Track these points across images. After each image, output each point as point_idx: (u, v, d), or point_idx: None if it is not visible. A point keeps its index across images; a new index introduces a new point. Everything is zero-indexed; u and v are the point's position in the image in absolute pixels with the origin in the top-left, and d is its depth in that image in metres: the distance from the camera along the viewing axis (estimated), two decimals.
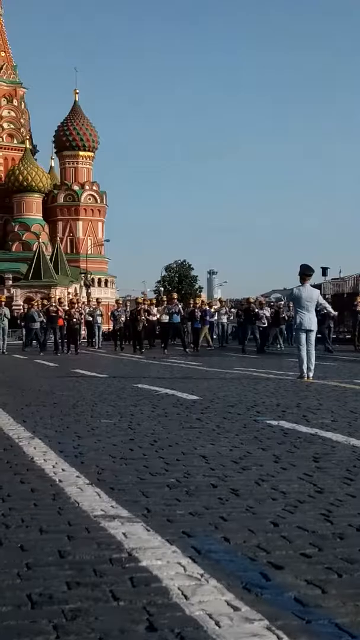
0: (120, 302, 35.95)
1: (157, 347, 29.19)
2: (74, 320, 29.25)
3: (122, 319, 31.75)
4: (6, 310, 30.64)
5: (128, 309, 33.76)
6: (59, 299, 33.80)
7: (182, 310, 28.87)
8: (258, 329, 28.25)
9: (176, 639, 2.38)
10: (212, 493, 4.44)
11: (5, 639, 2.38)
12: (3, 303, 31.81)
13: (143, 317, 28.93)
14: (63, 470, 5.16)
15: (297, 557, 3.20)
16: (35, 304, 33.74)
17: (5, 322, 29.88)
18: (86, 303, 46.38)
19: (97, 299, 44.02)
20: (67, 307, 30.83)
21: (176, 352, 26.61)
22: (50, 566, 3.10)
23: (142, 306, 30.43)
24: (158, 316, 30.55)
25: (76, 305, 31.45)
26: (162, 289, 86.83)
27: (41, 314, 31.01)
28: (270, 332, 29.00)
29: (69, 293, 78.17)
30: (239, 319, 35.29)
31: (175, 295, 30.67)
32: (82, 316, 32.42)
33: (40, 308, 31.82)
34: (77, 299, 36.70)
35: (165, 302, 33.45)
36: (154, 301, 37.29)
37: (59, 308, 30.19)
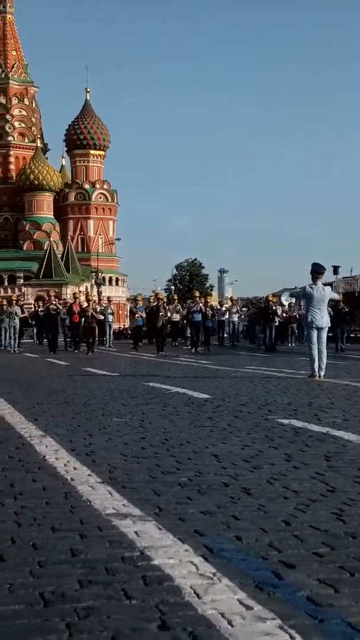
0: (140, 298, 34.42)
1: (168, 346, 29.08)
2: (90, 317, 27.79)
3: (142, 315, 30.20)
4: (17, 309, 30.70)
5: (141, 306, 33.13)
6: (74, 294, 33.62)
7: (203, 308, 28.82)
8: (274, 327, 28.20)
9: (188, 637, 2.38)
10: (224, 492, 4.43)
11: (18, 638, 2.39)
12: (14, 302, 31.91)
13: (163, 313, 27.58)
14: (75, 468, 5.17)
15: (309, 556, 3.19)
16: (14, 299, 33.33)
17: (17, 320, 29.93)
18: (97, 302, 46.31)
19: (108, 297, 43.92)
20: (84, 304, 29.68)
21: (185, 351, 26.63)
22: (63, 564, 3.10)
23: (163, 302, 29.03)
24: (169, 315, 30.32)
25: (92, 303, 30.07)
26: (172, 287, 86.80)
27: (23, 311, 30.89)
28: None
29: (80, 292, 78.24)
30: (250, 317, 35.32)
31: (197, 294, 30.69)
32: (97, 313, 30.94)
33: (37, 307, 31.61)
34: (92, 296, 35.27)
35: (176, 301, 33.54)
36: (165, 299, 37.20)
37: (59, 307, 29.95)
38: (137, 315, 30.10)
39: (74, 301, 30.06)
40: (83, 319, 27.66)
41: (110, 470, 5.11)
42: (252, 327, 35.57)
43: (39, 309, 36.85)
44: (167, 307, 29.52)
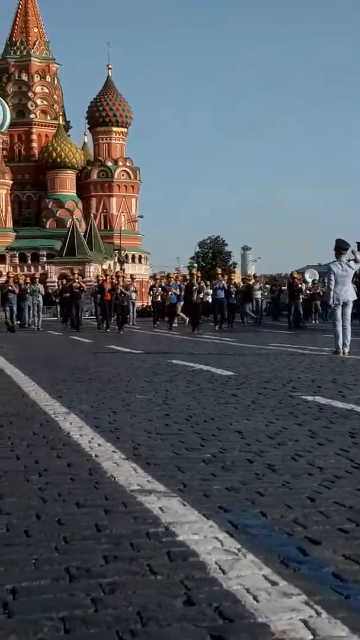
0: (173, 276, 33.09)
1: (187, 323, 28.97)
2: (122, 295, 26.83)
3: (176, 293, 29.04)
4: (40, 287, 30.79)
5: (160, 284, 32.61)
6: (105, 271, 33.33)
7: (226, 285, 28.68)
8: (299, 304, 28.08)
9: (214, 613, 2.38)
10: (249, 468, 4.43)
11: (44, 612, 2.40)
12: (37, 280, 32.00)
13: (196, 287, 26.42)
14: (99, 445, 5.18)
15: (335, 532, 3.18)
16: (37, 277, 33.20)
17: (40, 298, 30.01)
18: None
19: (131, 275, 43.78)
20: (115, 282, 29.09)
21: (209, 329, 26.58)
22: (88, 540, 3.11)
23: (199, 279, 27.91)
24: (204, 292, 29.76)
25: (123, 280, 29.04)
26: (195, 265, 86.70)
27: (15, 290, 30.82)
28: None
29: (103, 270, 78.33)
30: (273, 294, 35.23)
31: (219, 271, 30.55)
32: (132, 292, 29.88)
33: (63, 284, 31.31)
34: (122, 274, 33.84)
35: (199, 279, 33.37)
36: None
37: (82, 284, 29.51)
38: (170, 292, 29.23)
39: (105, 279, 29.55)
40: (114, 297, 26.97)
41: (135, 446, 5.12)
42: (275, 304, 35.51)
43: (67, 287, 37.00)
44: (201, 284, 28.62)
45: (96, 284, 32.56)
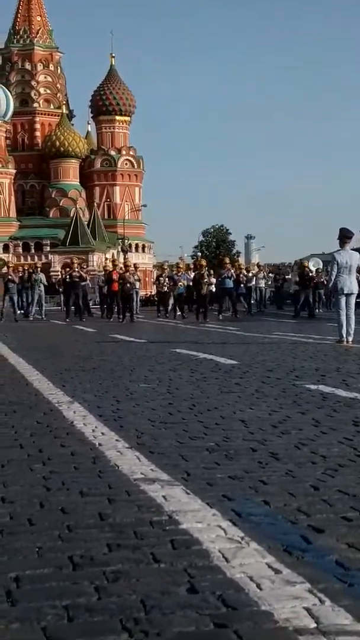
0: (182, 265, 32.20)
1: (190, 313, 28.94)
2: (129, 285, 26.33)
3: (184, 283, 28.50)
4: (42, 276, 30.74)
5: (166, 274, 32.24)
6: (113, 261, 33.12)
7: (234, 275, 28.57)
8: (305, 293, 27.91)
9: (217, 601, 2.38)
10: (252, 457, 4.43)
11: (48, 600, 2.40)
12: (39, 269, 31.96)
13: (207, 280, 26.14)
14: (103, 434, 5.18)
15: (338, 521, 3.18)
16: (39, 267, 33.13)
17: (42, 288, 29.96)
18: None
19: (134, 264, 43.63)
20: (122, 271, 28.85)
21: (213, 318, 26.57)
22: (91, 528, 3.11)
23: (206, 269, 27.57)
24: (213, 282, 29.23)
25: (130, 269, 28.35)
26: (199, 254, 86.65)
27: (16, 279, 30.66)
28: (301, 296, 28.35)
29: (106, 259, 78.33)
30: (277, 283, 35.18)
31: (227, 260, 30.42)
32: (136, 280, 28.84)
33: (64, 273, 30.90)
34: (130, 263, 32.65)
35: (205, 269, 33.21)
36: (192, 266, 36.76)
37: (82, 273, 29.14)
38: (179, 283, 28.42)
39: (113, 269, 29.35)
40: (121, 287, 26.52)
41: (138, 435, 5.12)
42: (279, 293, 35.48)
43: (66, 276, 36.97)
44: (210, 274, 28.28)
45: (102, 273, 32.34)
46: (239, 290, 29.73)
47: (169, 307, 29.44)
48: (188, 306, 29.50)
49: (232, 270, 28.84)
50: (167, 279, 29.91)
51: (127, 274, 26.99)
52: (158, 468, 4.12)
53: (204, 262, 28.91)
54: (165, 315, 28.45)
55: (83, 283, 29.23)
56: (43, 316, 29.34)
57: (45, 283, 30.69)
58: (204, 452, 4.57)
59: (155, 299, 33.24)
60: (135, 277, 31.74)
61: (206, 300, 25.82)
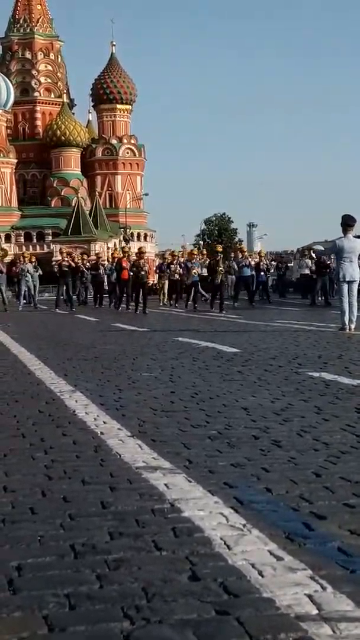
0: (195, 252, 30.52)
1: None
2: (142, 273, 24.20)
3: (198, 271, 26.76)
4: (30, 267, 30.79)
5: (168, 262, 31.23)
6: (123, 249, 31.88)
7: (251, 263, 28.27)
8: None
9: (219, 588, 2.38)
10: (254, 444, 4.42)
11: (49, 588, 2.40)
12: (27, 259, 31.97)
13: (222, 269, 24.52)
14: (104, 422, 5.18)
15: (340, 507, 3.18)
16: (27, 257, 32.96)
17: (29, 278, 29.95)
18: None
19: (140, 249, 42.99)
20: (134, 258, 26.88)
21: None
22: (93, 517, 3.11)
23: (221, 255, 25.83)
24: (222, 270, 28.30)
25: (144, 256, 25.73)
26: (201, 242, 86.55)
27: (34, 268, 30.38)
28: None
29: (108, 248, 78.30)
30: (279, 271, 35.13)
31: (244, 249, 30.12)
32: (149, 268, 27.20)
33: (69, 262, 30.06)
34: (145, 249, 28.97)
35: (205, 257, 33.06)
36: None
37: (71, 262, 28.49)
38: (193, 270, 26.57)
39: (123, 256, 28.38)
40: (133, 275, 24.95)
41: (140, 424, 5.12)
42: (281, 281, 35.42)
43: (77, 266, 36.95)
44: (225, 262, 26.99)
45: (109, 261, 31.75)
46: (260, 278, 29.31)
47: (171, 296, 28.86)
48: (176, 295, 28.51)
49: (250, 259, 28.62)
50: (178, 266, 28.52)
51: (141, 261, 24.80)
52: (160, 456, 4.12)
53: (219, 248, 27.36)
54: (175, 305, 27.40)
55: (94, 272, 28.79)
56: (35, 306, 29.16)
57: (32, 273, 30.68)
58: (206, 440, 4.57)
59: (157, 287, 32.63)
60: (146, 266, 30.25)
61: (222, 289, 24.34)
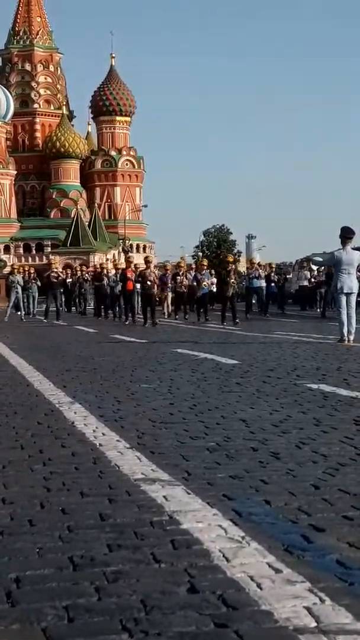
0: (205, 263, 28.22)
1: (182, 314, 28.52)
2: (148, 283, 23.04)
3: (209, 283, 25.55)
4: (19, 278, 30.85)
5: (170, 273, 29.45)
6: (127, 258, 31.09)
7: (262, 275, 28.14)
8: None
9: (218, 600, 2.38)
10: (253, 456, 4.42)
11: (48, 601, 2.40)
12: (16, 270, 32.02)
13: (234, 280, 23.12)
14: (103, 434, 5.18)
15: (339, 520, 3.18)
16: (16, 268, 33.00)
17: (19, 289, 30.00)
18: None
19: (135, 264, 42.82)
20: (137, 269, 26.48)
21: (215, 317, 26.45)
22: (92, 529, 3.11)
23: (232, 266, 24.16)
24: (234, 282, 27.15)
25: (151, 266, 24.55)
26: (200, 254, 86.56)
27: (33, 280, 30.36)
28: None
29: (107, 259, 78.34)
30: (279, 283, 35.08)
31: (255, 261, 30.04)
32: (156, 279, 25.10)
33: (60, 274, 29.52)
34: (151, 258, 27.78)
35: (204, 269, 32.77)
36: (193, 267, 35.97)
37: (60, 274, 28.58)
38: (203, 282, 25.18)
39: (127, 267, 27.34)
40: (140, 285, 23.77)
41: (139, 435, 5.12)
42: (280, 293, 35.39)
43: (67, 278, 37.01)
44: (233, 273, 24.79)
45: (113, 272, 31.18)
46: (271, 289, 29.13)
47: (178, 308, 27.74)
48: (184, 307, 27.33)
49: (260, 270, 28.54)
50: (184, 277, 27.11)
51: (148, 271, 23.57)
52: (159, 468, 4.12)
53: (231, 258, 25.88)
54: (185, 318, 25.92)
55: (98, 283, 28.64)
56: (22, 317, 29.04)
57: (22, 284, 30.79)
58: (204, 451, 4.57)
59: (158, 299, 32.08)
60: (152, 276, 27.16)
61: (234, 301, 22.71)
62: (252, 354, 11.64)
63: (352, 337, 13.55)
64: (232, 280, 22.99)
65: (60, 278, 28.43)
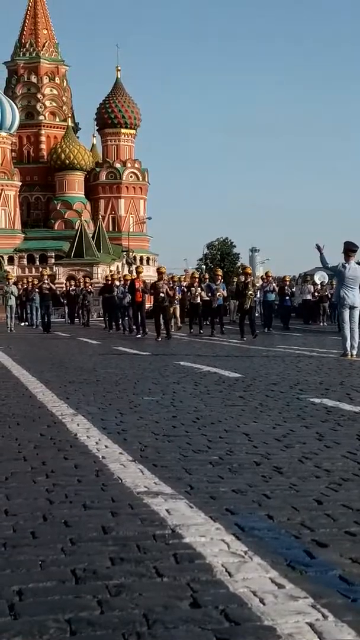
0: (220, 273, 26.69)
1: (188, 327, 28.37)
2: (162, 295, 21.97)
3: (224, 294, 24.89)
4: (13, 288, 30.89)
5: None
6: (137, 267, 30.41)
7: (276, 288, 27.99)
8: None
9: (220, 615, 2.37)
10: (255, 470, 4.42)
11: (50, 614, 2.40)
12: (10, 281, 31.98)
13: (251, 292, 21.97)
14: (106, 446, 5.18)
15: (342, 535, 3.17)
16: (10, 278, 32.95)
17: (13, 299, 30.03)
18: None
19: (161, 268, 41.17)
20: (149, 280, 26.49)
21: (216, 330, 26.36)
22: (94, 542, 3.11)
23: (251, 278, 22.85)
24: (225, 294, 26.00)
25: (165, 277, 23.13)
26: (203, 266, 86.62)
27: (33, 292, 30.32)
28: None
29: (111, 271, 78.39)
30: (282, 297, 35.02)
31: (270, 274, 29.79)
32: (173, 291, 24.27)
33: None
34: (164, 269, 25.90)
35: (207, 281, 32.58)
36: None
37: (52, 285, 28.48)
38: (218, 294, 24.20)
39: (136, 277, 26.18)
40: (154, 297, 22.58)
41: (142, 448, 5.11)
42: (282, 306, 35.36)
43: (70, 288, 37.02)
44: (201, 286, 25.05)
45: (122, 283, 30.72)
46: (285, 302, 28.89)
47: (193, 321, 26.05)
48: (199, 320, 25.81)
49: (274, 284, 28.38)
50: (199, 289, 25.66)
51: (161, 282, 22.48)
52: (161, 481, 4.12)
53: (249, 270, 24.39)
54: (200, 332, 24.58)
55: (108, 295, 28.50)
56: (11, 328, 28.87)
57: (17, 294, 30.84)
58: (207, 465, 4.57)
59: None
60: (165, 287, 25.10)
61: (253, 314, 22.07)
62: (255, 368, 11.64)
63: (355, 352, 13.54)
64: (250, 292, 21.88)
65: (52, 290, 28.44)
